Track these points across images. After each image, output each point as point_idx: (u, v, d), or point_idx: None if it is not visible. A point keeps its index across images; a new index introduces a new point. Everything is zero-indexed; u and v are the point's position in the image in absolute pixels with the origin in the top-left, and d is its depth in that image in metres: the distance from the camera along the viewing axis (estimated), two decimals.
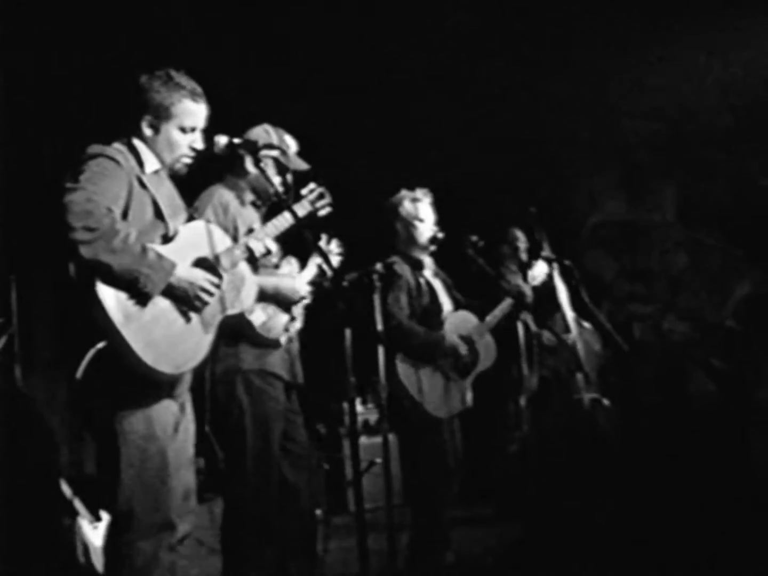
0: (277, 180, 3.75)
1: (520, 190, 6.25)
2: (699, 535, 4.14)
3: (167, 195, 3.07)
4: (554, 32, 6.00)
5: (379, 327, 3.76)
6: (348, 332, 3.41)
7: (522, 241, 5.23)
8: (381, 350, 3.72)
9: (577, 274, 4.96)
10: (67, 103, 5.46)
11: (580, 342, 5.07)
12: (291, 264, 3.86)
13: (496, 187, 6.59)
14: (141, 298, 2.78)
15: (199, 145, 3.12)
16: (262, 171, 3.52)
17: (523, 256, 5.25)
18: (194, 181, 3.36)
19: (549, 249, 4.95)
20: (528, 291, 4.71)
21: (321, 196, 3.63)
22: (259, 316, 3.60)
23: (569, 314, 5.09)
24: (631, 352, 5.15)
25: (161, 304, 2.85)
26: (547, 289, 4.94)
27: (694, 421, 5.68)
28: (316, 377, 4.16)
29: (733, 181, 6.71)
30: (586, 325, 5.26)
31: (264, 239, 3.28)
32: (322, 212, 3.64)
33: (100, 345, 2.74)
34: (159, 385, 2.88)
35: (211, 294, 2.94)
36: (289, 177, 3.78)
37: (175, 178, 3.17)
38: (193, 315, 2.95)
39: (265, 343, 3.64)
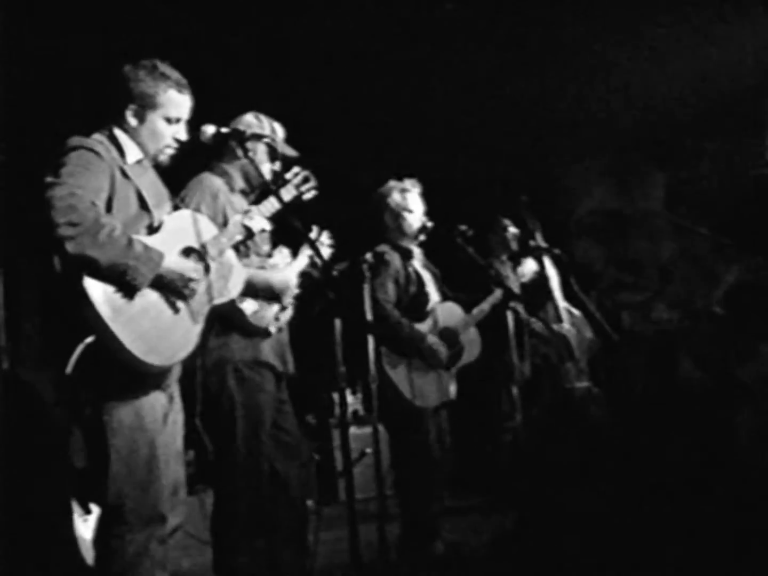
0: (267, 167, 3.75)
1: (510, 179, 6.25)
2: (692, 521, 4.15)
3: (151, 185, 3.05)
4: (543, 22, 5.99)
5: (369, 317, 3.76)
6: (338, 322, 3.40)
7: (511, 230, 5.23)
8: (370, 340, 3.72)
9: (567, 263, 4.96)
10: (51, 95, 5.42)
11: (571, 331, 5.08)
12: (282, 254, 3.85)
13: (486, 176, 6.59)
14: (128, 290, 2.77)
15: (183, 136, 3.11)
16: (251, 159, 3.51)
17: (513, 245, 5.24)
18: (180, 171, 3.34)
19: (541, 238, 4.95)
20: (516, 284, 4.72)
21: (306, 180, 3.63)
22: (250, 304, 3.59)
23: (561, 304, 5.10)
24: (620, 340, 5.15)
25: (149, 296, 2.84)
26: (538, 278, 4.94)
27: (685, 408, 5.69)
28: (305, 367, 4.15)
29: (722, 169, 6.71)
30: (577, 313, 5.26)
31: (260, 218, 3.27)
32: (308, 196, 3.63)
33: (89, 339, 2.72)
34: (148, 377, 2.87)
35: (196, 286, 2.93)
36: (277, 164, 3.78)
37: (160, 167, 3.15)
38: (181, 305, 2.93)
39: (255, 332, 3.63)
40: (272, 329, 3.69)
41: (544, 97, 6.43)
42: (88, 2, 5.02)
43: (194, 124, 3.20)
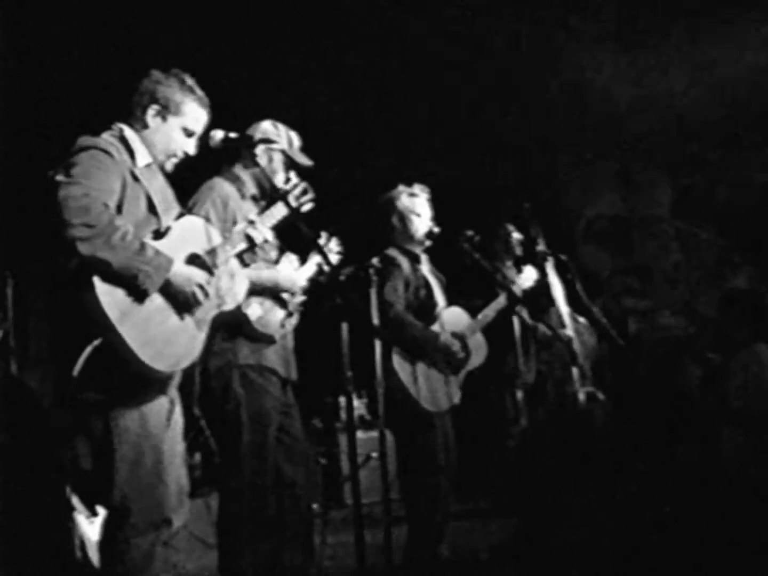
0: (281, 176, 3.76)
1: (516, 185, 6.26)
2: (694, 528, 4.16)
3: (160, 189, 3.05)
4: (550, 29, 6.01)
5: (376, 321, 3.76)
6: (345, 326, 3.41)
7: (515, 236, 5.23)
8: (378, 344, 3.72)
9: (572, 269, 4.97)
10: (62, 97, 5.45)
11: (575, 336, 5.08)
12: (290, 260, 3.86)
13: (492, 182, 6.60)
14: (137, 295, 2.76)
15: (192, 150, 3.14)
16: (258, 165, 3.53)
17: (517, 251, 5.25)
18: (189, 175, 3.37)
19: (544, 244, 4.96)
20: (519, 289, 4.72)
21: (304, 192, 3.62)
22: (255, 310, 3.60)
23: (564, 309, 5.10)
24: (626, 346, 5.16)
25: (155, 301, 2.83)
26: (541, 284, 4.95)
27: (689, 414, 5.70)
28: (312, 371, 4.16)
29: (728, 175, 6.73)
30: (581, 319, 5.27)
31: (262, 228, 3.28)
32: (306, 207, 3.62)
33: (96, 342, 2.71)
34: (153, 383, 2.86)
35: (206, 293, 2.93)
36: (292, 173, 3.78)
37: (169, 172, 3.17)
38: (186, 312, 2.92)
39: (260, 338, 3.64)
40: (277, 336, 3.69)
41: (551, 103, 6.44)
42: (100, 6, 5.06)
43: (206, 130, 3.23)
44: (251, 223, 3.29)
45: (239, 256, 3.23)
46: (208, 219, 3.48)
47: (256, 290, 3.56)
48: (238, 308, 3.45)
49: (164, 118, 3.05)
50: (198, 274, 2.93)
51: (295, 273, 3.77)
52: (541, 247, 4.96)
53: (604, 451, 4.96)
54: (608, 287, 7.18)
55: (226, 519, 3.63)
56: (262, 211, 3.56)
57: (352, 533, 3.43)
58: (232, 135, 3.40)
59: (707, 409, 5.28)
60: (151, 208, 2.95)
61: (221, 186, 3.71)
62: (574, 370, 5.06)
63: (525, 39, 6.02)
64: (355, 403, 6.89)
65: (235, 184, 3.76)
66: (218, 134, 3.35)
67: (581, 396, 5.05)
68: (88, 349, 2.71)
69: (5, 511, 3.93)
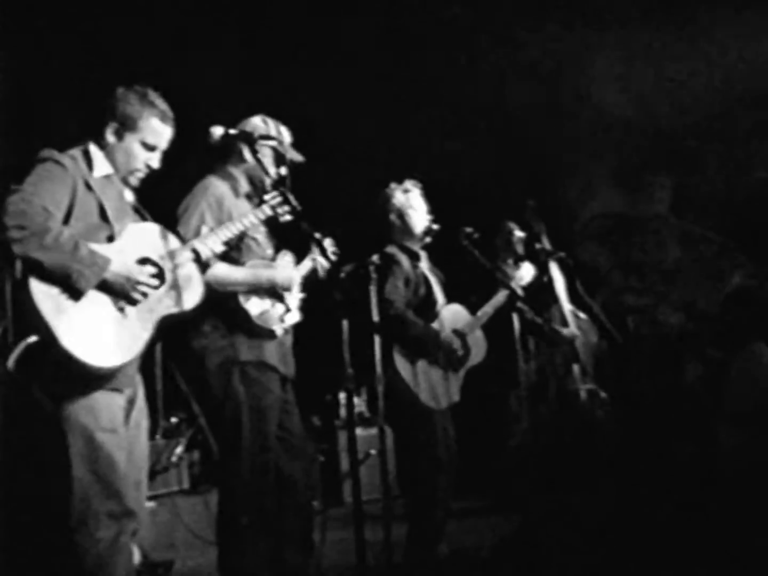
0: (272, 170, 3.74)
1: (517, 183, 6.26)
2: (695, 524, 4.16)
3: (115, 198, 3.12)
4: (547, 28, 6.01)
5: (376, 318, 3.76)
6: (345, 323, 3.41)
7: (517, 234, 5.23)
8: (378, 341, 3.72)
9: (572, 266, 4.97)
10: (60, 98, 5.45)
11: (577, 334, 5.08)
12: (285, 259, 3.85)
13: (493, 179, 6.59)
14: (72, 293, 2.84)
15: (156, 164, 3.19)
16: (259, 161, 3.52)
17: (519, 249, 5.24)
18: (186, 172, 3.36)
19: (547, 241, 4.96)
20: (517, 287, 4.72)
21: (283, 202, 3.57)
22: (256, 305, 3.59)
23: (566, 306, 5.10)
24: (625, 343, 5.16)
25: (98, 299, 2.90)
26: (540, 282, 4.95)
27: (689, 411, 5.70)
28: (312, 368, 4.16)
29: (727, 172, 6.72)
30: (582, 316, 5.27)
31: (210, 243, 3.25)
32: (284, 218, 3.58)
33: (32, 339, 2.79)
34: (97, 378, 2.92)
35: (146, 290, 2.97)
36: (284, 169, 3.77)
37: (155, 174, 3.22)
38: (129, 310, 2.98)
39: (260, 333, 3.63)
40: (278, 331, 3.68)
41: (550, 101, 6.44)
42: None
43: (203, 128, 3.23)
44: (203, 235, 3.28)
45: (197, 261, 3.20)
46: (203, 220, 3.51)
47: (255, 290, 3.56)
48: (238, 304, 3.47)
49: (121, 136, 3.13)
50: (138, 271, 2.98)
51: (292, 272, 3.76)
52: (542, 244, 4.96)
53: (605, 448, 4.96)
54: (608, 284, 7.17)
55: (225, 516, 3.63)
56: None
57: (351, 531, 3.43)
58: (232, 131, 3.39)
59: (706, 407, 5.29)
60: (103, 215, 3.03)
61: (215, 185, 3.70)
62: (576, 368, 5.07)
63: (526, 40, 6.02)
64: (355, 400, 6.88)
65: (229, 182, 3.76)
66: (218, 131, 3.35)
67: (583, 393, 5.05)
68: (21, 345, 2.79)
69: (4, 508, 3.93)
